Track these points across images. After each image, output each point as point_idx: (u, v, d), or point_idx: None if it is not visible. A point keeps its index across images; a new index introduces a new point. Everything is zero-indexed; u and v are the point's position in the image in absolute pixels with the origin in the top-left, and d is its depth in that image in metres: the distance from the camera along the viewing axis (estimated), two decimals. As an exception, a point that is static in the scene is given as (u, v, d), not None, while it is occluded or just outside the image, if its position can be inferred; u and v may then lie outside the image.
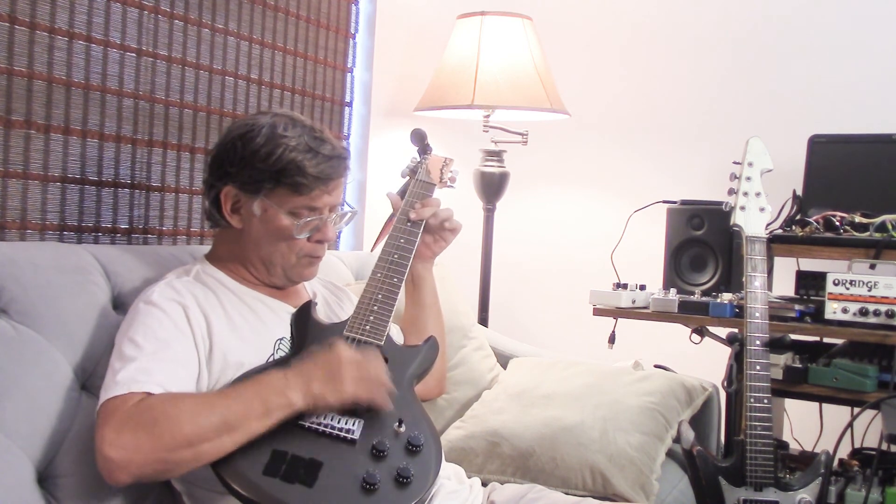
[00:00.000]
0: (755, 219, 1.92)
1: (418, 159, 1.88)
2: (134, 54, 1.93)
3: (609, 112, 2.95)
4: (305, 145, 1.57)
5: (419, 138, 1.91)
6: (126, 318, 1.52)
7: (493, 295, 2.79)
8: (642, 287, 2.33)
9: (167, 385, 1.40)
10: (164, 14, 2.00)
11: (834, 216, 2.14)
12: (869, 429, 2.23)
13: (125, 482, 1.32)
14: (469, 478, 1.71)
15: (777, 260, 2.24)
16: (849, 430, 2.09)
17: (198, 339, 1.50)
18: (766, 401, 1.81)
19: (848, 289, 2.02)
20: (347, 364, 1.42)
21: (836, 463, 1.96)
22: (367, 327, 1.58)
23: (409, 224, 1.75)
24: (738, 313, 2.11)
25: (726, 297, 2.19)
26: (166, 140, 2.04)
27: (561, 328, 2.89)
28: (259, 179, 1.57)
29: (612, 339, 2.38)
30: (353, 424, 1.43)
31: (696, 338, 2.26)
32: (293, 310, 1.65)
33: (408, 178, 1.86)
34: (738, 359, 1.91)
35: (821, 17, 2.67)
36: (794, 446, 2.42)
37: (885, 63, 2.59)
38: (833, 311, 2.03)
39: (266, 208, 1.59)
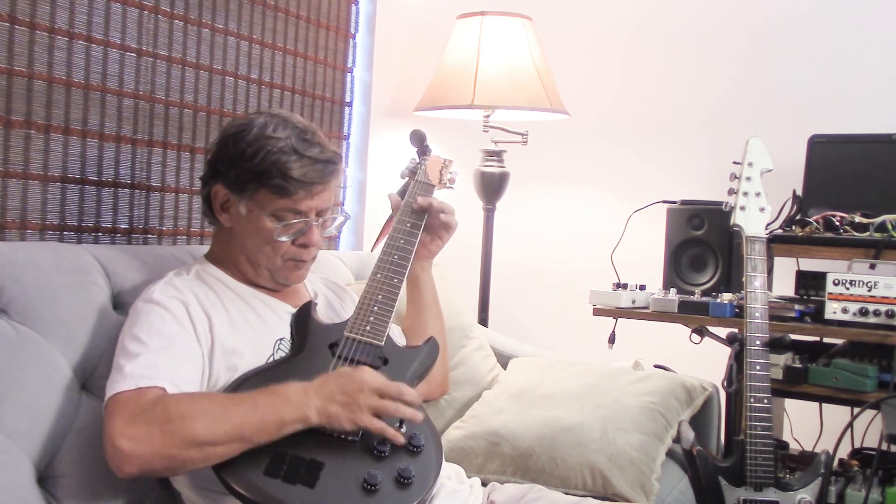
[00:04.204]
0: (755, 219, 1.92)
1: (417, 160, 1.88)
2: (134, 54, 1.93)
3: (609, 112, 2.95)
4: (291, 147, 1.55)
5: (418, 139, 1.91)
6: (128, 317, 1.52)
7: (493, 295, 2.79)
8: (642, 287, 2.33)
9: (175, 380, 1.41)
10: (164, 14, 2.00)
11: (834, 216, 2.14)
12: (869, 429, 2.24)
13: (133, 474, 1.33)
14: (469, 478, 1.71)
15: (777, 260, 2.24)
16: (849, 430, 2.09)
17: (200, 336, 1.51)
18: (766, 401, 1.81)
19: (848, 289, 2.02)
20: (370, 392, 1.40)
21: (836, 463, 1.96)
22: (368, 328, 1.57)
23: (408, 225, 1.74)
24: (738, 313, 2.11)
25: (726, 297, 2.19)
26: (166, 140, 2.04)
27: (561, 328, 2.89)
28: (244, 180, 1.57)
29: (612, 339, 2.38)
30: (354, 425, 1.43)
31: (696, 338, 2.26)
32: (293, 310, 1.65)
33: (407, 178, 1.85)
34: (738, 359, 1.91)
35: (821, 18, 2.67)
36: (794, 446, 2.42)
37: (885, 63, 2.59)
38: (833, 311, 2.03)
39: (251, 209, 1.58)
